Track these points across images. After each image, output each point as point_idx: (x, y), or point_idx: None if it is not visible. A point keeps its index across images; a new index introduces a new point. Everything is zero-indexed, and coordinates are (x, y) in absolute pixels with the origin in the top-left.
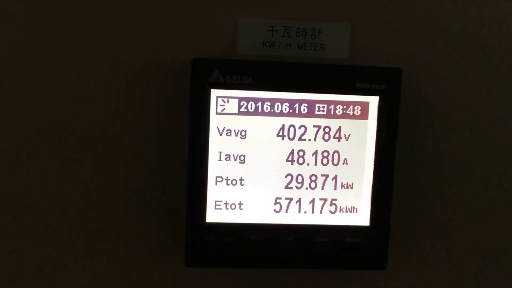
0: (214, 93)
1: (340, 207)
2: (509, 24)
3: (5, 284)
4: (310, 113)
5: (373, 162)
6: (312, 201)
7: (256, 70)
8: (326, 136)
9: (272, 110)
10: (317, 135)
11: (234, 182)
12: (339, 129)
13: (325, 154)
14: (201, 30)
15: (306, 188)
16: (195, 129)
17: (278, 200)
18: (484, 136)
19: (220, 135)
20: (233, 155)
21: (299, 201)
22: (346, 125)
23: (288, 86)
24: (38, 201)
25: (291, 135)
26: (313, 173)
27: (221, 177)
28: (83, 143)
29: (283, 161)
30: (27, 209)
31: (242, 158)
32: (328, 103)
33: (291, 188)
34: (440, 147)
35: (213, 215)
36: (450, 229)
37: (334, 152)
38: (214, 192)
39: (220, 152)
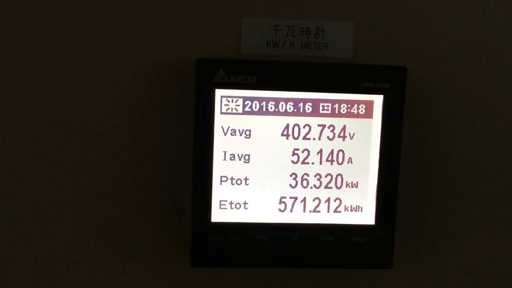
0: (219, 93)
1: (345, 206)
2: None
3: (9, 283)
4: (315, 112)
5: (378, 161)
6: (317, 200)
7: (260, 70)
8: (331, 135)
9: (276, 110)
10: (322, 134)
11: (239, 181)
12: (344, 128)
13: (330, 153)
14: (205, 30)
15: (311, 187)
16: (199, 129)
17: (283, 200)
18: (489, 134)
19: (225, 134)
20: (238, 155)
21: (304, 200)
22: (351, 124)
23: (292, 86)
24: (44, 201)
25: (296, 134)
26: (318, 172)
27: (225, 176)
28: (87, 142)
29: (287, 160)
30: (32, 208)
31: (246, 157)
32: (333, 102)
33: (296, 187)
34: (445, 146)
35: (218, 215)
36: (456, 228)
37: (338, 151)
38: (219, 192)
39: (225, 152)
